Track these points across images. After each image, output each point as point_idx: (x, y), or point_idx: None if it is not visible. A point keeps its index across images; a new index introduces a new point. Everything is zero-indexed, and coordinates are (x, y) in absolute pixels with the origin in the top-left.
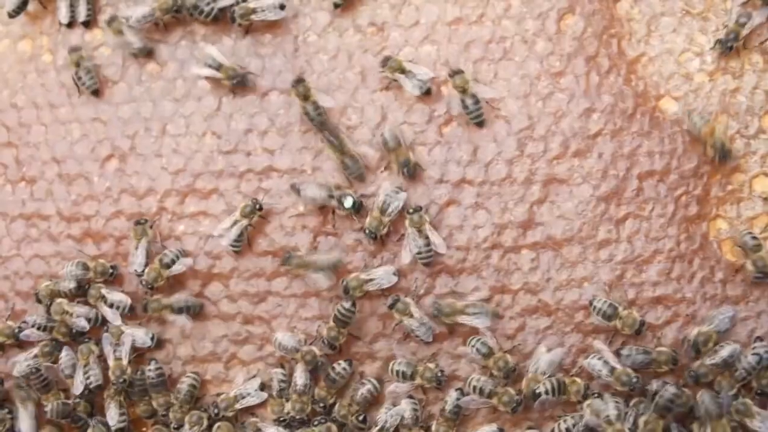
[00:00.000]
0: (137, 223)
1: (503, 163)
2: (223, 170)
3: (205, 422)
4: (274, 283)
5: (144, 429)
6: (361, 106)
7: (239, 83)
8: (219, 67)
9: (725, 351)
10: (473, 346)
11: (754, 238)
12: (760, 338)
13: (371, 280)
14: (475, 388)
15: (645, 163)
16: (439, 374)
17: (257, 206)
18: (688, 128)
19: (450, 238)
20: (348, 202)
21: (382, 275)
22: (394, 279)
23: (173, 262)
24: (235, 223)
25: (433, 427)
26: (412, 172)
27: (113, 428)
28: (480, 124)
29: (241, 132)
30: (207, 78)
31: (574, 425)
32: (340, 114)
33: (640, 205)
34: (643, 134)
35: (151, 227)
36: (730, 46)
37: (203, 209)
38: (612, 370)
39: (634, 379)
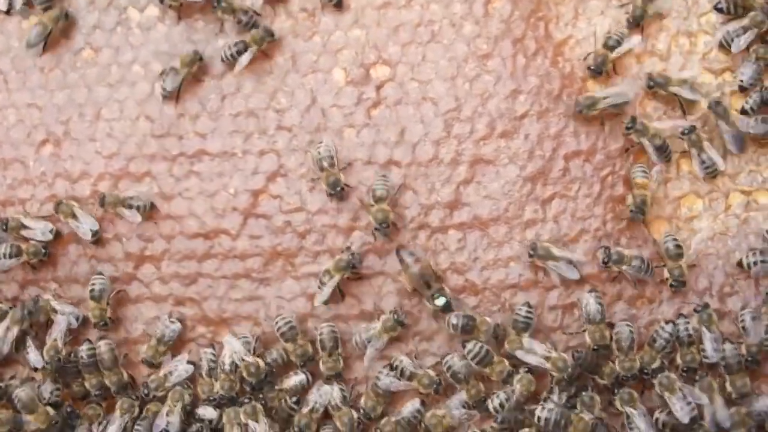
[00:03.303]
0: (57, 205)
1: (430, 144)
2: (156, 153)
3: (137, 409)
4: (205, 265)
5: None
6: (291, 90)
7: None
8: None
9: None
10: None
11: (677, 246)
12: (683, 315)
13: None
14: (396, 368)
15: (571, 144)
16: (397, 316)
17: None
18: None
19: None
20: (440, 302)
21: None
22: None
23: (131, 207)
24: None
25: (362, 400)
26: (341, 195)
27: (45, 401)
28: None
29: (173, 116)
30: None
31: (507, 400)
32: (270, 98)
33: (566, 185)
34: (570, 115)
35: (71, 201)
36: (599, 71)
37: (137, 192)
38: (547, 358)
39: (569, 365)
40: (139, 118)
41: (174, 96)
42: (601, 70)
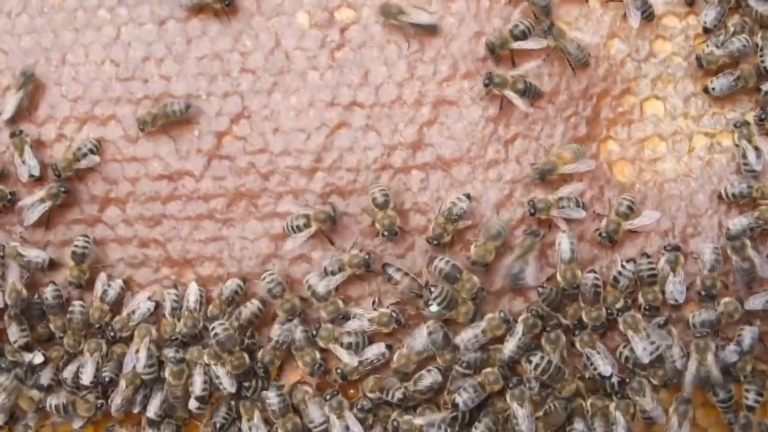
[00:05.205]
0: (12, 135)
1: (393, 86)
2: (121, 97)
3: (104, 347)
4: (169, 207)
5: None
6: (256, 33)
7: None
8: None
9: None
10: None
11: (630, 208)
12: (647, 255)
13: None
14: (326, 270)
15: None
16: (367, 257)
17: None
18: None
19: (341, 160)
20: (433, 308)
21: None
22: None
23: (84, 156)
24: None
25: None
26: (395, 238)
27: (15, 345)
28: None
29: (138, 60)
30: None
31: (475, 336)
32: (234, 41)
33: (529, 125)
34: None
35: (27, 137)
36: None
37: (101, 135)
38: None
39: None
40: (105, 62)
41: (195, 10)
42: None
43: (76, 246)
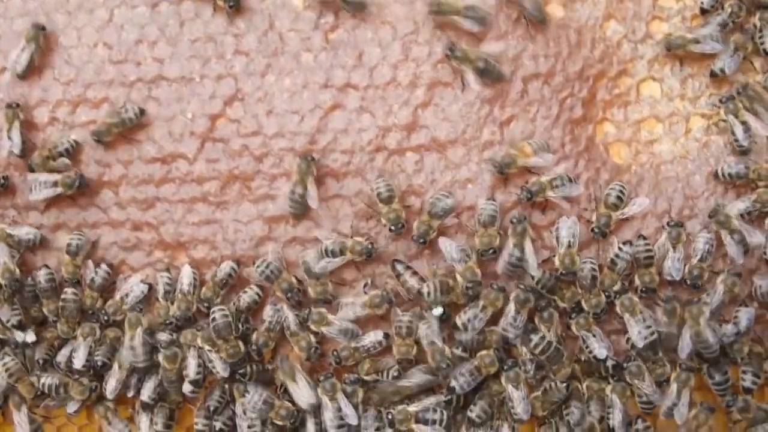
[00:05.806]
0: (8, 106)
1: (388, 67)
2: (114, 80)
3: (98, 332)
4: (162, 189)
5: None
6: (250, 15)
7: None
8: None
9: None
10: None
11: (619, 198)
12: (643, 236)
13: None
14: (326, 250)
15: (530, 66)
16: (370, 246)
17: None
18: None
19: (335, 142)
20: (437, 312)
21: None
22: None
23: (60, 155)
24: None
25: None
26: (401, 232)
27: (8, 324)
28: None
29: (131, 42)
30: None
31: (475, 316)
32: (228, 23)
33: (524, 107)
34: (528, 38)
35: (21, 111)
36: None
37: (94, 118)
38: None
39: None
40: (97, 45)
41: None
42: None
43: (70, 240)
